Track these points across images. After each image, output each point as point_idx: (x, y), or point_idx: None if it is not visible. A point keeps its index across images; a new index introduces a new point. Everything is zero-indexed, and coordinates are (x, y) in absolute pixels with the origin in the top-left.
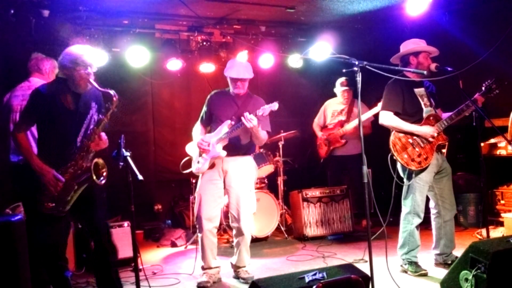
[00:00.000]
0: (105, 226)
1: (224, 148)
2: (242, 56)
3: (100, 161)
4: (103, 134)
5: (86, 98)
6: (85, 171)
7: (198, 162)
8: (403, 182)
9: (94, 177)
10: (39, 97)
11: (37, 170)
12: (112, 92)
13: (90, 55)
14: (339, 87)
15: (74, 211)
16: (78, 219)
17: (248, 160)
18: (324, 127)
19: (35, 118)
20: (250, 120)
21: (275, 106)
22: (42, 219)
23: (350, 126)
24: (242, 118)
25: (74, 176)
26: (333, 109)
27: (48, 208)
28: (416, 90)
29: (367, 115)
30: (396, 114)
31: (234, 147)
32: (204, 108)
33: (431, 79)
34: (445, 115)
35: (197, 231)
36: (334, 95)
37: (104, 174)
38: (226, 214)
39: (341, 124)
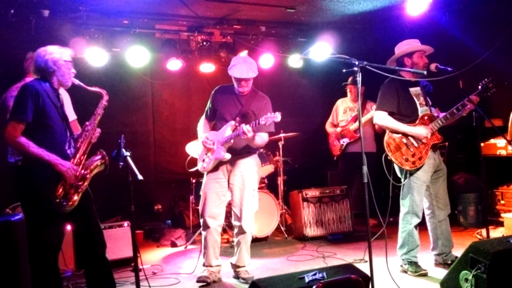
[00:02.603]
0: (103, 235)
1: (229, 148)
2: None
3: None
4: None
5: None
6: (97, 159)
7: (204, 160)
8: (400, 182)
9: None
10: (34, 92)
11: (54, 163)
12: (101, 91)
13: (69, 54)
14: (346, 83)
15: (73, 216)
16: (76, 225)
17: (252, 159)
18: (336, 125)
19: (31, 114)
20: (247, 132)
21: (277, 118)
22: (42, 220)
23: (364, 119)
24: (242, 126)
25: (84, 167)
26: (344, 106)
27: (57, 203)
28: (412, 90)
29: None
30: (391, 114)
31: (238, 147)
32: (209, 104)
33: (430, 79)
34: (442, 115)
35: (201, 228)
36: (334, 95)
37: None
38: (226, 214)
39: (355, 119)
